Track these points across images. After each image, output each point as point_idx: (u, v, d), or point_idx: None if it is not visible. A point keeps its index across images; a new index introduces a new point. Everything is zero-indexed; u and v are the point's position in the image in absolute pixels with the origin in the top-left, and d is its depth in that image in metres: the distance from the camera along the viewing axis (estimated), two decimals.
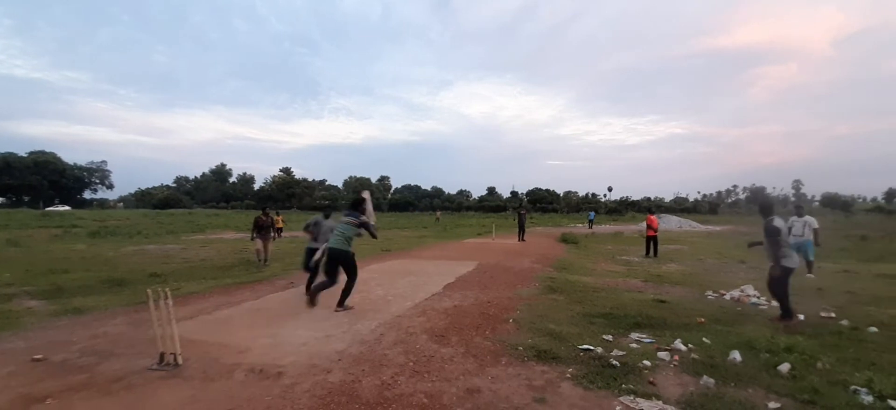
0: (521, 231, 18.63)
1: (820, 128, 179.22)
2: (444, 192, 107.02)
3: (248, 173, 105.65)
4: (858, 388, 3.13)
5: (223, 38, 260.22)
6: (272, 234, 10.99)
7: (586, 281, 8.12)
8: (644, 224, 14.69)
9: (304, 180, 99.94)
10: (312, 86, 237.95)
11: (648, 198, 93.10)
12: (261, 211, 11.26)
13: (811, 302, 6.28)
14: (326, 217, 7.21)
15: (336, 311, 5.48)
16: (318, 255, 6.26)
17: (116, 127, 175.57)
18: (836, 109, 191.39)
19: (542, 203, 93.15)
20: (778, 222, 5.23)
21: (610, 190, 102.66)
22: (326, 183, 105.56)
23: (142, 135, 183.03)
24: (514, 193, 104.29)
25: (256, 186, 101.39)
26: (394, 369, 3.58)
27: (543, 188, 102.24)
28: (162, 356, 3.63)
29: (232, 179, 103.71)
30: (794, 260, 5.21)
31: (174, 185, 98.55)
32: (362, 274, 8.71)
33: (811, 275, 8.76)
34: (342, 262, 5.58)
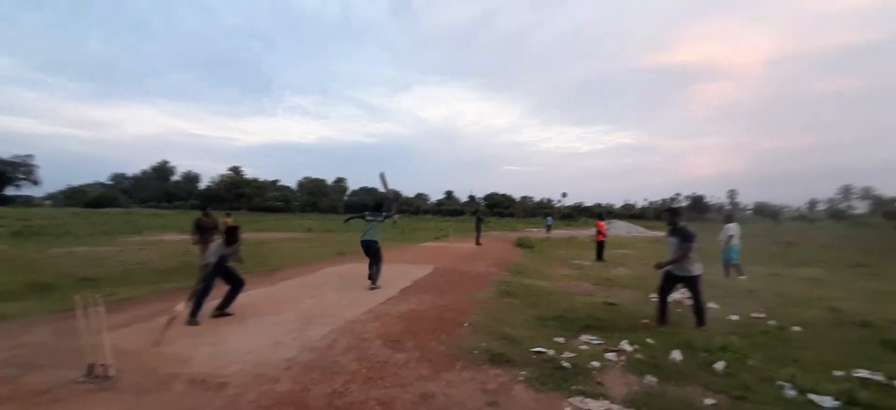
0: (478, 234, 18.82)
1: (751, 142, 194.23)
2: (401, 195, 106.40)
3: (192, 171, 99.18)
4: (783, 383, 3.39)
5: (167, 27, 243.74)
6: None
7: (541, 284, 8.32)
8: (595, 229, 15.27)
9: (255, 180, 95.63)
10: (266, 82, 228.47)
11: (600, 204, 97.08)
12: (201, 212, 9.95)
13: (743, 303, 6.77)
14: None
15: (372, 289, 7.15)
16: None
17: (45, 118, 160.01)
18: (766, 125, 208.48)
19: (498, 207, 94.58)
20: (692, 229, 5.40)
21: (564, 195, 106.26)
22: (279, 183, 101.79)
23: (74, 127, 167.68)
24: (471, 197, 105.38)
25: (202, 185, 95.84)
26: (346, 376, 3.48)
27: (500, 193, 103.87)
28: (91, 367, 3.34)
29: (175, 177, 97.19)
30: (699, 267, 5.29)
31: (110, 183, 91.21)
32: (315, 278, 8.49)
33: (743, 277, 9.45)
34: (373, 251, 7.55)
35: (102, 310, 3.42)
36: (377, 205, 8.13)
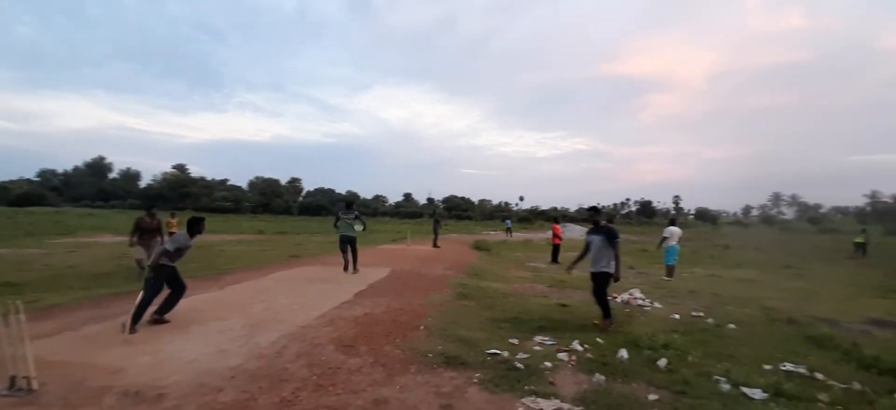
0: (436, 237, 18.82)
1: (694, 152, 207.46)
2: (359, 197, 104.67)
3: (132, 169, 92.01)
4: (719, 378, 3.61)
5: (106, 14, 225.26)
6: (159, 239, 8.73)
7: (497, 287, 8.42)
8: (551, 232, 15.70)
9: (202, 179, 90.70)
10: (215, 76, 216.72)
11: (556, 208, 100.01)
12: (145, 212, 9.06)
13: (685, 302, 7.17)
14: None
15: (354, 274, 8.78)
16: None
17: None
18: (708, 136, 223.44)
19: (457, 210, 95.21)
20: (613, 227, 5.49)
21: (521, 199, 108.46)
22: (229, 183, 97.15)
23: None
24: (430, 200, 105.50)
25: (143, 184, 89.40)
26: (295, 383, 3.35)
27: (459, 195, 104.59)
28: (13, 379, 3.03)
29: (112, 175, 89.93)
30: (611, 267, 5.31)
31: (37, 179, 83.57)
32: (266, 282, 8.16)
33: (668, 278, 10.14)
34: (353, 246, 9.09)
35: (24, 318, 3.11)
36: (348, 204, 9.71)
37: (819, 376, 3.79)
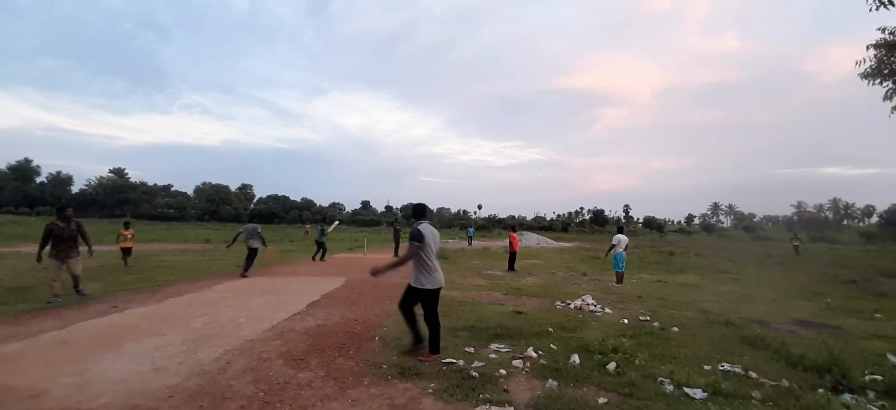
0: (397, 247, 18.62)
1: (641, 163, 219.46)
2: (315, 204, 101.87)
3: (63, 172, 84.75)
4: (663, 379, 3.75)
5: (35, 4, 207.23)
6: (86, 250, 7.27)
7: (453, 295, 8.40)
8: (508, 241, 15.92)
9: (143, 184, 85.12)
10: (159, 75, 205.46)
11: (513, 216, 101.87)
12: (57, 215, 7.05)
13: (633, 307, 7.46)
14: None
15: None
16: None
17: None
18: (653, 148, 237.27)
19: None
20: (425, 229, 4.39)
21: (480, 207, 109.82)
22: (173, 188, 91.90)
23: None
24: (388, 208, 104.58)
25: (75, 189, 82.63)
26: (240, 402, 3.16)
27: (418, 203, 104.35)
28: None
29: (40, 179, 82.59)
30: (435, 280, 4.33)
31: None
32: (210, 294, 7.72)
33: (618, 284, 10.53)
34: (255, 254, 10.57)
35: None
36: (252, 216, 14.18)
37: (753, 374, 4.03)
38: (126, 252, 11.72)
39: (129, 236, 11.93)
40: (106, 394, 3.23)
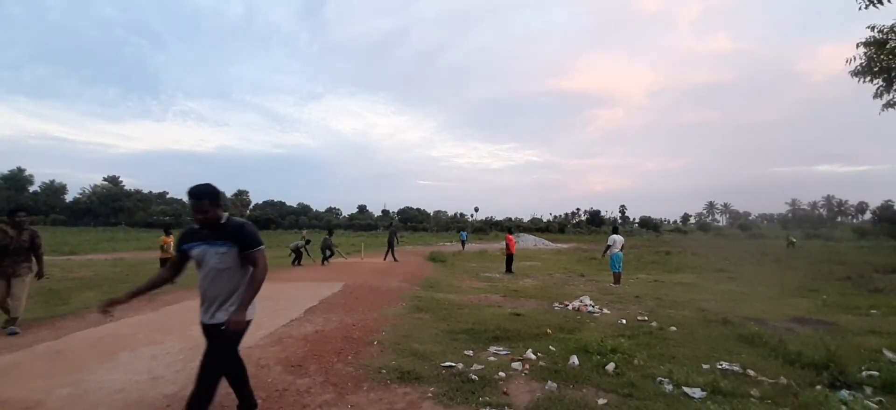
0: (391, 249, 18.56)
1: (636, 163, 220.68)
2: (311, 209, 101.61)
3: (57, 181, 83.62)
4: (662, 379, 3.76)
5: (27, 11, 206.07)
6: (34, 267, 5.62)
7: (452, 298, 8.40)
8: (505, 243, 15.96)
9: (138, 192, 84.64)
10: (153, 82, 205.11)
11: (510, 218, 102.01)
12: (7, 219, 5.45)
13: (630, 307, 7.48)
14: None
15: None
16: None
17: None
18: (648, 149, 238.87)
19: (412, 221, 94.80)
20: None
21: (476, 210, 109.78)
22: (168, 196, 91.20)
23: None
24: (385, 211, 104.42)
25: (69, 198, 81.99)
26: None
27: (414, 207, 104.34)
28: None
29: (34, 188, 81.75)
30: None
31: None
32: None
33: (617, 285, 10.52)
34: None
35: None
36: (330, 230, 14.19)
37: (751, 372, 4.05)
38: (164, 263, 10.28)
39: (169, 243, 10.59)
40: (102, 405, 3.21)
